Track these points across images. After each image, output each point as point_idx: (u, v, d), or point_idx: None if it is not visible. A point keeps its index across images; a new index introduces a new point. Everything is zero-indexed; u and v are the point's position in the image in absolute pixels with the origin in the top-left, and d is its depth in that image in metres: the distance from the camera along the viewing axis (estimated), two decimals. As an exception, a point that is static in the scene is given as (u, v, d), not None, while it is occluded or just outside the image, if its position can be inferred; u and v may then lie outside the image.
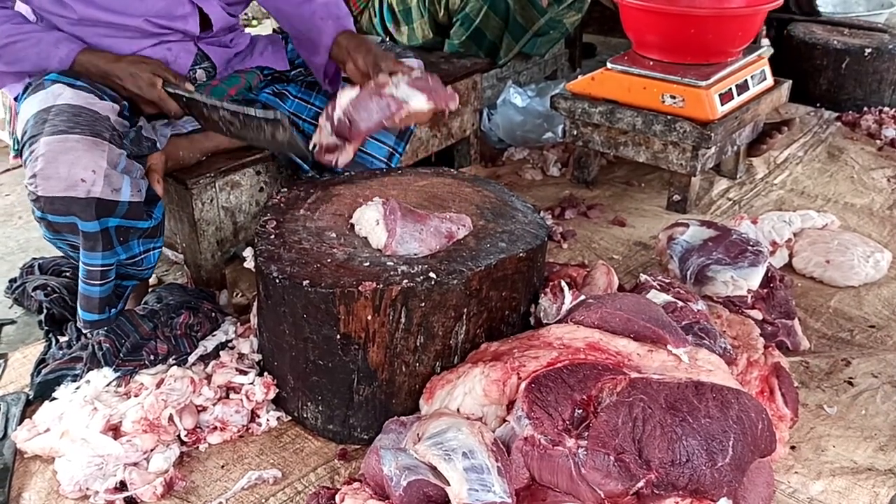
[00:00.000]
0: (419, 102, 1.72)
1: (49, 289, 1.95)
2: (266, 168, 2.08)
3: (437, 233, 1.58)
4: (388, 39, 3.09)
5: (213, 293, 1.99)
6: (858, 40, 3.37)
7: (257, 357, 1.74)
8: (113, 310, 1.73)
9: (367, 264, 1.53)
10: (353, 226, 1.65)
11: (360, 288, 1.46)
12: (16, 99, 1.76)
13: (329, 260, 1.55)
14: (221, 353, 1.76)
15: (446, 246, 1.58)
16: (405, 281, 1.48)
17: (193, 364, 1.74)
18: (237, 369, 1.70)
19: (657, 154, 2.55)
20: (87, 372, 1.68)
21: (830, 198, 2.68)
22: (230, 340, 1.80)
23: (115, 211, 1.57)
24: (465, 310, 1.55)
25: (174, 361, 1.73)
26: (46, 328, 1.89)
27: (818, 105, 3.36)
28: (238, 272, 2.18)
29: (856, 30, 3.52)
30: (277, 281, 1.52)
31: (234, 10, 1.95)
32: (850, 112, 3.25)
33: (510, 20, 2.90)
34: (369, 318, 1.49)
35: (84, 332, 1.73)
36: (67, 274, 2.02)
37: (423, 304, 1.50)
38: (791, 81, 2.80)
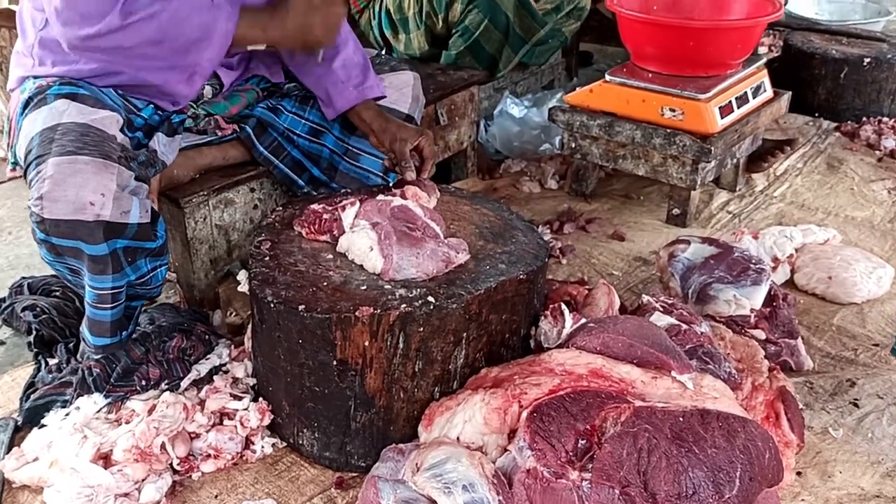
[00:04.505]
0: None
1: (38, 309, 1.90)
2: (261, 185, 2.04)
3: (433, 256, 1.54)
4: (384, 50, 3.05)
5: (206, 314, 1.95)
6: (857, 49, 3.34)
7: (252, 381, 1.70)
8: (124, 332, 1.70)
9: (364, 288, 1.50)
10: (348, 247, 1.62)
11: (357, 313, 1.43)
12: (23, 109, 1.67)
13: (325, 283, 1.52)
14: (215, 377, 1.72)
15: (444, 270, 1.54)
16: (403, 305, 1.44)
17: (186, 389, 1.70)
18: (231, 394, 1.66)
19: (656, 167, 2.52)
20: (77, 398, 1.64)
21: (831, 210, 2.66)
22: (224, 364, 1.76)
23: (123, 233, 1.53)
24: (465, 334, 1.52)
25: (166, 386, 1.69)
26: (36, 350, 1.85)
27: (816, 115, 3.33)
28: (232, 291, 2.14)
29: (853, 39, 3.49)
30: (272, 305, 1.48)
31: None
32: (849, 122, 3.23)
33: (510, 33, 2.86)
34: (366, 343, 1.45)
35: (95, 357, 1.68)
36: (57, 294, 1.97)
37: (421, 329, 1.46)
38: (790, 93, 2.77)
